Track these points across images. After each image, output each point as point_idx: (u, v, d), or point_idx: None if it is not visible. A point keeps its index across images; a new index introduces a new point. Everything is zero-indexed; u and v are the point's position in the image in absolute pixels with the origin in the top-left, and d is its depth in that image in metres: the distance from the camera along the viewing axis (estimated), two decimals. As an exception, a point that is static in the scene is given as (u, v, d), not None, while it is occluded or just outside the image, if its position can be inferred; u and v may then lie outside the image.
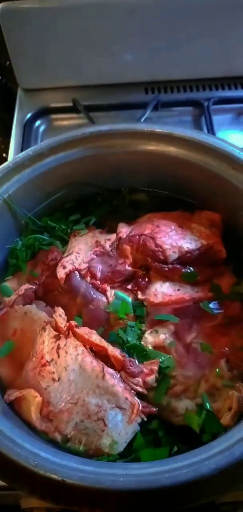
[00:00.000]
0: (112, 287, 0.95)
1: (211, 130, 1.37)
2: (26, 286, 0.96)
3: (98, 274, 0.97)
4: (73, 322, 0.86)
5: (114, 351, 0.83)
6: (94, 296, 0.93)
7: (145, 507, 0.64)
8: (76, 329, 0.85)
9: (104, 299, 0.93)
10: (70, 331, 0.84)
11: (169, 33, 1.42)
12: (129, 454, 0.77)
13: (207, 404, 0.79)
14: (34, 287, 0.97)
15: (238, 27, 1.42)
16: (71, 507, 0.65)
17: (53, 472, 0.65)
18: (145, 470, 0.66)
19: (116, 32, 1.40)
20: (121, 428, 0.77)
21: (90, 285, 0.94)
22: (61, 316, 0.88)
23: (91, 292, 0.93)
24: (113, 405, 0.78)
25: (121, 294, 0.93)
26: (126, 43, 1.43)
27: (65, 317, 0.89)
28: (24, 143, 1.40)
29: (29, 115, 1.47)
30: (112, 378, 0.79)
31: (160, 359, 0.84)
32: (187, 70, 1.52)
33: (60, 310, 0.89)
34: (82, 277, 0.95)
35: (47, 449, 0.70)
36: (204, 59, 1.49)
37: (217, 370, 0.83)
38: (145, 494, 0.63)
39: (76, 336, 0.84)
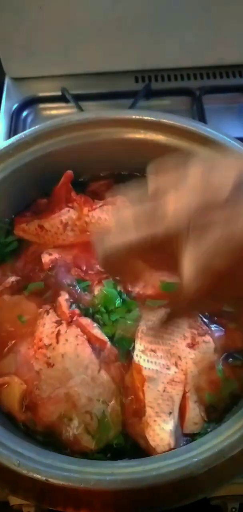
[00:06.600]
0: (99, 281, 0.91)
1: (202, 119, 1.34)
2: (13, 278, 0.93)
3: (84, 266, 0.93)
4: (77, 310, 0.84)
5: (113, 348, 0.80)
6: (79, 291, 0.89)
7: (131, 507, 0.62)
8: (79, 318, 0.82)
9: (88, 297, 0.89)
10: (72, 319, 0.82)
11: (160, 19, 1.38)
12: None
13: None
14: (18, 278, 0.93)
15: (231, 15, 1.39)
16: (55, 507, 0.63)
17: (37, 471, 0.63)
18: (132, 468, 0.64)
19: (105, 19, 1.36)
20: (109, 424, 0.75)
21: (75, 280, 0.91)
22: (66, 300, 0.85)
23: (77, 287, 0.89)
24: (104, 400, 0.76)
25: (108, 289, 0.89)
26: (115, 30, 1.39)
27: (70, 302, 0.85)
28: (12, 134, 1.36)
29: (16, 105, 1.43)
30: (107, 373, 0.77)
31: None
32: (178, 58, 1.48)
33: (66, 295, 0.86)
34: (68, 268, 0.92)
35: (30, 447, 0.67)
36: (196, 47, 1.45)
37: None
38: (131, 493, 0.61)
39: (78, 325, 0.81)
